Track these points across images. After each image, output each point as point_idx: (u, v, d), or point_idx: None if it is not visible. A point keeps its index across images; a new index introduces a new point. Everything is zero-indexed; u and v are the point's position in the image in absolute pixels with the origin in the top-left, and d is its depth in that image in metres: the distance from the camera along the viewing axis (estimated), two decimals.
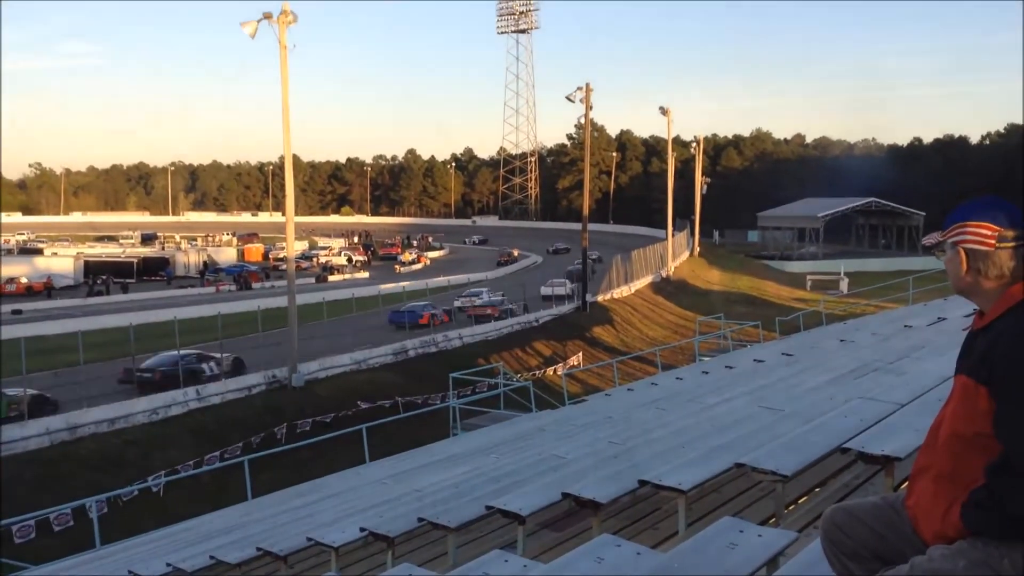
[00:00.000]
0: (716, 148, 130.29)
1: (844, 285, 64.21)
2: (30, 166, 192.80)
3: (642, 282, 57.59)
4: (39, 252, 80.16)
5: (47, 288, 59.66)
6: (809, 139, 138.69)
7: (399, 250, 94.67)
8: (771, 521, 5.30)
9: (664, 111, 65.60)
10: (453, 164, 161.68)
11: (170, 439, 23.20)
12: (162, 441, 23.00)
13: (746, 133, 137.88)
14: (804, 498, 5.96)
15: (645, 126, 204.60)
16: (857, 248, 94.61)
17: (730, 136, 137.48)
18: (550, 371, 35.08)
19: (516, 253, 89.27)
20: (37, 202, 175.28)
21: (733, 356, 19.81)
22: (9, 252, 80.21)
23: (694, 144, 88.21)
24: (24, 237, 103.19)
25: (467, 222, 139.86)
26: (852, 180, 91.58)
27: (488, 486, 8.62)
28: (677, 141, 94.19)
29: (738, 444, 6.51)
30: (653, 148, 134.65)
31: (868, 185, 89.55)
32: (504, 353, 36.31)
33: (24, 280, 60.77)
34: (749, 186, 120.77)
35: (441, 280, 61.35)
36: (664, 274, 64.12)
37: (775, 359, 15.64)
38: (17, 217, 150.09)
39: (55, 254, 77.91)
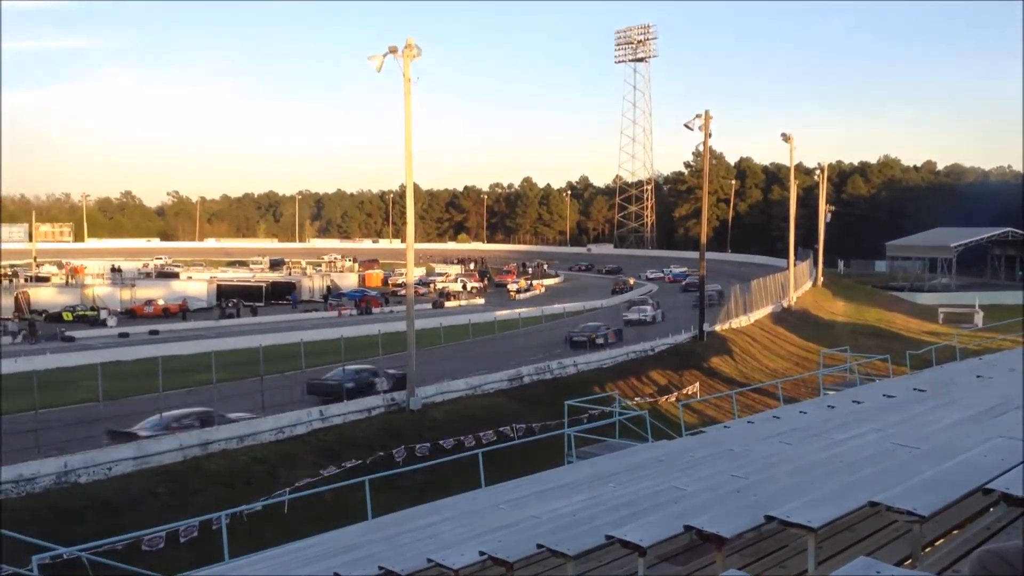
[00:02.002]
0: (841, 175, 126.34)
1: (979, 319, 61.07)
2: (168, 194, 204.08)
3: (762, 312, 56.19)
4: (175, 276, 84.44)
5: (182, 310, 62.75)
6: (940, 166, 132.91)
7: (514, 277, 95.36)
8: (907, 563, 5.07)
9: (786, 137, 64.13)
10: (568, 192, 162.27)
11: (294, 457, 23.94)
12: (286, 459, 23.75)
13: (873, 160, 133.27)
14: (941, 540, 5.68)
15: (765, 153, 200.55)
16: (993, 280, 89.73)
17: (856, 163, 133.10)
18: (665, 400, 34.59)
19: (632, 281, 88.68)
20: (174, 228, 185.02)
21: (861, 391, 19.07)
22: (147, 275, 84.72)
23: (817, 171, 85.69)
24: (161, 261, 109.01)
25: (582, 250, 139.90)
26: (987, 208, 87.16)
27: (607, 515, 8.54)
28: (799, 168, 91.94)
29: (871, 482, 6.26)
30: (774, 175, 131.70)
31: (1004, 214, 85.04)
32: (619, 381, 36.01)
33: (161, 302, 64.13)
34: (876, 214, 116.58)
35: (556, 307, 61.44)
36: (785, 304, 62.39)
37: (906, 394, 14.98)
38: (155, 242, 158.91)
39: (190, 278, 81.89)
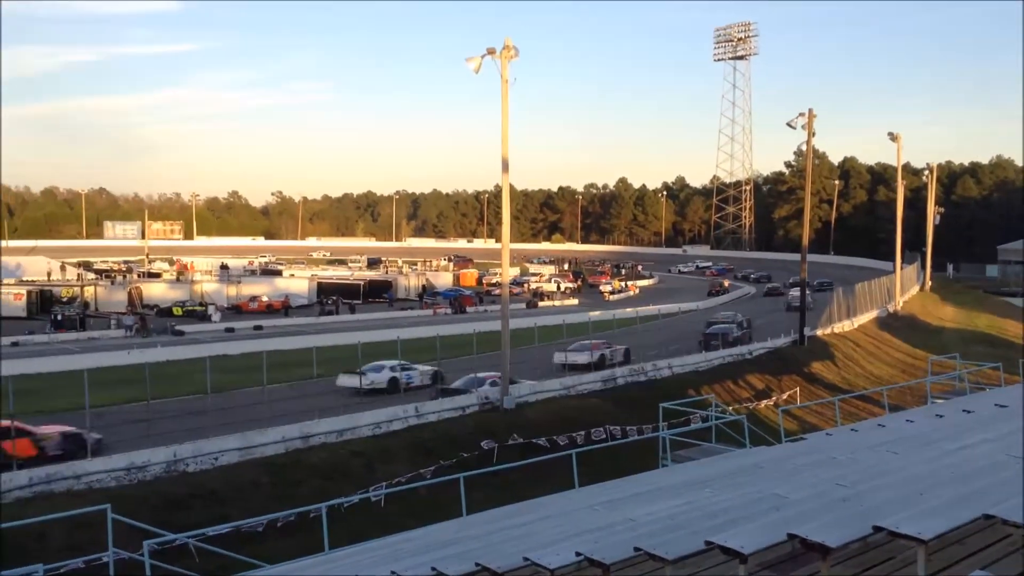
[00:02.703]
0: (951, 176, 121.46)
1: None
2: (272, 195, 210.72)
3: (866, 317, 54.44)
4: (278, 273, 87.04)
5: (284, 307, 64.63)
6: None
7: (608, 278, 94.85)
8: None
9: (893, 137, 61.97)
10: (664, 193, 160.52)
11: (390, 453, 24.37)
12: (383, 454, 24.21)
13: (984, 160, 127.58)
14: None
15: (870, 153, 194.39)
16: None
17: (966, 163, 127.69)
18: (763, 405, 33.86)
19: (727, 284, 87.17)
20: (278, 227, 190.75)
21: (971, 399, 18.30)
22: (252, 273, 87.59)
23: (926, 172, 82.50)
24: (266, 259, 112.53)
25: (677, 251, 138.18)
26: None
27: (704, 521, 8.44)
28: (906, 169, 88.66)
29: (984, 494, 6.02)
30: (879, 176, 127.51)
31: None
32: (715, 385, 35.43)
33: (265, 299, 66.20)
34: (987, 217, 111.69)
35: (651, 309, 60.85)
36: (891, 309, 60.31)
37: (1020, 404, 14.30)
38: (260, 241, 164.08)
39: (292, 275, 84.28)
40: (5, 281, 70.51)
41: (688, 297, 74.49)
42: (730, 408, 30.56)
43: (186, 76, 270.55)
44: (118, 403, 26.70)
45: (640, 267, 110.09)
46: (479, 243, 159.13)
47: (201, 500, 20.28)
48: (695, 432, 21.29)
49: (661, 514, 9.45)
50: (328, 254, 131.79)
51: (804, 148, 49.82)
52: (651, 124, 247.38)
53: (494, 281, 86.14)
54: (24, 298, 58.87)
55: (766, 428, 25.11)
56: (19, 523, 15.87)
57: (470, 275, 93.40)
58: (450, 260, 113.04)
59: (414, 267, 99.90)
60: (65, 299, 61.94)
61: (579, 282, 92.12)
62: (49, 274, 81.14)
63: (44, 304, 59.68)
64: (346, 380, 29.76)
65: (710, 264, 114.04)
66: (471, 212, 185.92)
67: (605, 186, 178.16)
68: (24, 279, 75.55)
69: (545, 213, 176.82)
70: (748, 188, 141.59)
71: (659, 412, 22.95)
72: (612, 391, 33.37)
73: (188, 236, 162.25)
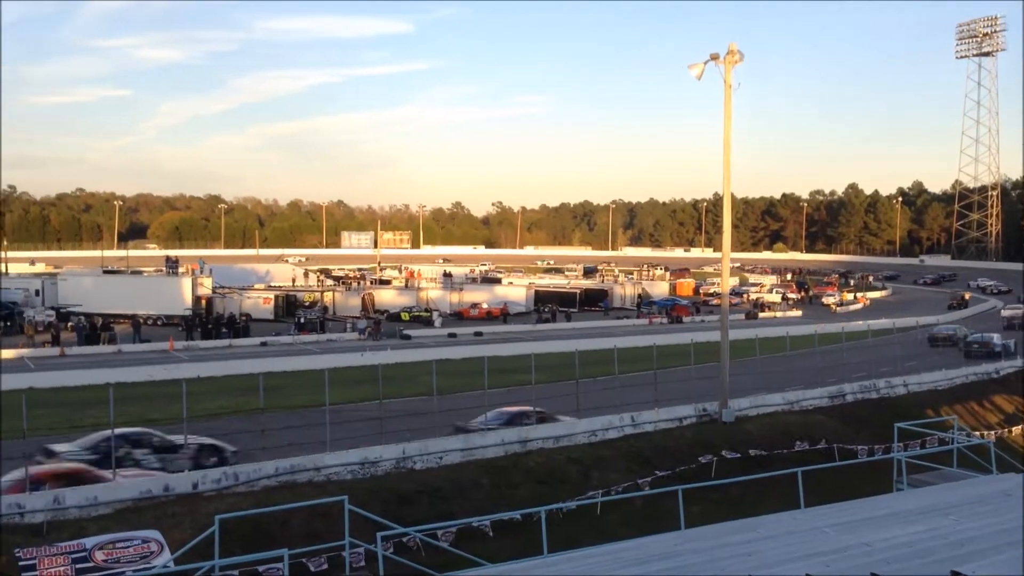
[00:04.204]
0: None
1: None
2: (493, 205, 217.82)
3: None
4: (498, 281, 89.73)
5: (503, 314, 66.50)
6: None
7: (835, 289, 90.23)
8: None
9: None
10: (899, 199, 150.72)
11: (606, 460, 24.41)
12: (599, 462, 24.28)
13: None
14: None
15: None
16: None
17: None
18: (1015, 431, 30.93)
19: (968, 296, 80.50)
20: (497, 237, 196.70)
21: None
22: (473, 280, 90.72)
23: None
24: (485, 267, 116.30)
25: (913, 261, 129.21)
26: None
27: (947, 550, 7.85)
28: None
29: None
30: None
31: None
32: (956, 405, 32.75)
33: (485, 306, 68.43)
34: None
35: (884, 322, 57.25)
36: None
37: None
38: (481, 249, 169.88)
39: (511, 283, 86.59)
40: (256, 286, 77.25)
41: (925, 310, 69.43)
42: (977, 433, 28.16)
43: (416, 93, 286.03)
44: (353, 401, 28.42)
45: (871, 278, 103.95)
46: (696, 252, 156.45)
47: (427, 496, 21.19)
48: (933, 455, 19.79)
49: (899, 540, 8.85)
50: (552, 263, 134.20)
51: None
52: (884, 127, 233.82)
53: (712, 291, 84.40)
54: (272, 302, 64.22)
55: (1017, 455, 22.92)
56: (268, 509, 17.28)
57: (687, 284, 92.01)
58: (667, 269, 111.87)
59: (630, 276, 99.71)
60: (307, 303, 67.00)
61: (803, 293, 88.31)
62: (294, 280, 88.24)
63: (289, 308, 64.83)
64: None
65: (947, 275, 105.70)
66: (688, 221, 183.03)
67: (832, 192, 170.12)
68: (272, 284, 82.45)
69: (767, 221, 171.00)
70: (995, 193, 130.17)
71: (894, 432, 21.52)
72: (839, 408, 31.71)
73: (416, 245, 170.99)
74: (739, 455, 25.30)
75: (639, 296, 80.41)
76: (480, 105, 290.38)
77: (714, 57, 26.70)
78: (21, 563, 15.30)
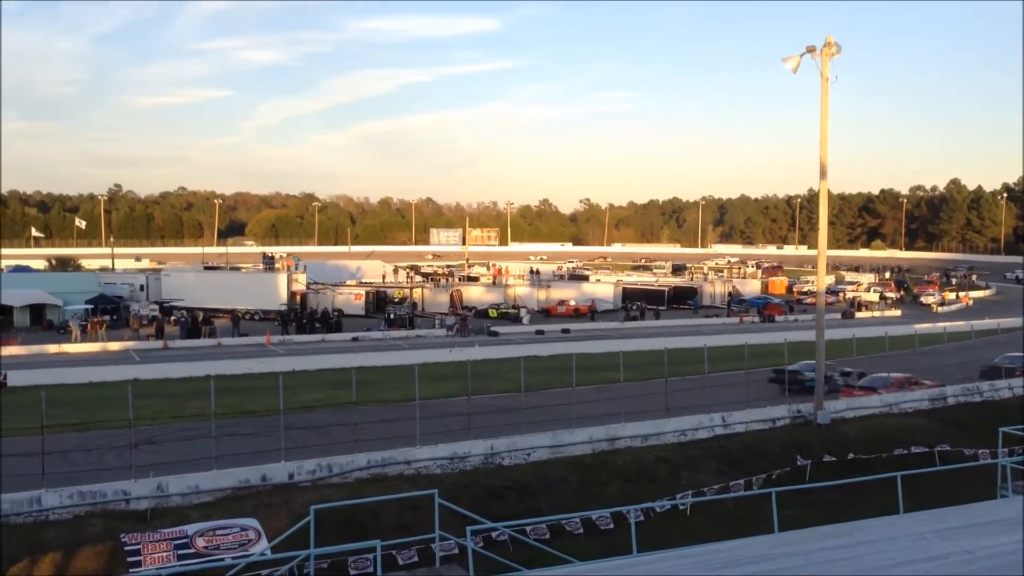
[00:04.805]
0: None
1: None
2: (580, 201, 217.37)
3: None
4: (585, 279, 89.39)
5: (591, 311, 66.22)
6: None
7: (936, 288, 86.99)
8: None
9: None
10: (1004, 195, 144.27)
11: (696, 461, 24.08)
12: (689, 462, 23.97)
13: None
14: None
15: None
16: None
17: None
18: None
19: None
20: (585, 233, 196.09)
21: None
22: (561, 278, 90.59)
23: None
24: (573, 265, 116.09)
25: (1018, 259, 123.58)
26: None
27: None
28: None
29: None
30: None
31: None
32: None
33: (572, 303, 68.28)
34: None
35: (989, 323, 54.93)
36: None
37: None
38: (568, 247, 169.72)
39: (599, 280, 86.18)
40: (347, 283, 78.85)
41: None
42: None
43: (505, 91, 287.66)
44: (442, 397, 28.77)
45: (975, 276, 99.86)
46: (790, 249, 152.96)
47: (515, 493, 21.26)
48: None
49: (1002, 548, 8.49)
50: (644, 260, 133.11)
51: None
52: (988, 119, 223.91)
53: (805, 289, 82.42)
54: (363, 298, 65.45)
55: None
56: (361, 501, 17.63)
57: (779, 283, 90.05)
58: (758, 267, 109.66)
59: (720, 274, 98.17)
60: (397, 299, 68.10)
61: (902, 292, 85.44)
62: (384, 277, 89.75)
63: (379, 304, 66.00)
64: None
65: None
66: (781, 217, 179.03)
67: (934, 188, 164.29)
68: (363, 281, 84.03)
69: (864, 218, 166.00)
70: None
71: (998, 437, 20.64)
72: (940, 411, 30.56)
73: (503, 242, 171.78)
74: (835, 458, 24.64)
75: (730, 294, 79.01)
76: (568, 102, 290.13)
77: (810, 50, 26.01)
78: (126, 548, 16.00)
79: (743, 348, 30.93)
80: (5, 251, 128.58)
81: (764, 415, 27.66)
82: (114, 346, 46.86)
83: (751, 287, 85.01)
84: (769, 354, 35.25)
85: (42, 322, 54.74)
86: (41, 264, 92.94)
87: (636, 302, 70.63)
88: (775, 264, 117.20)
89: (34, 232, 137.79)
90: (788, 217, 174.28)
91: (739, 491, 21.70)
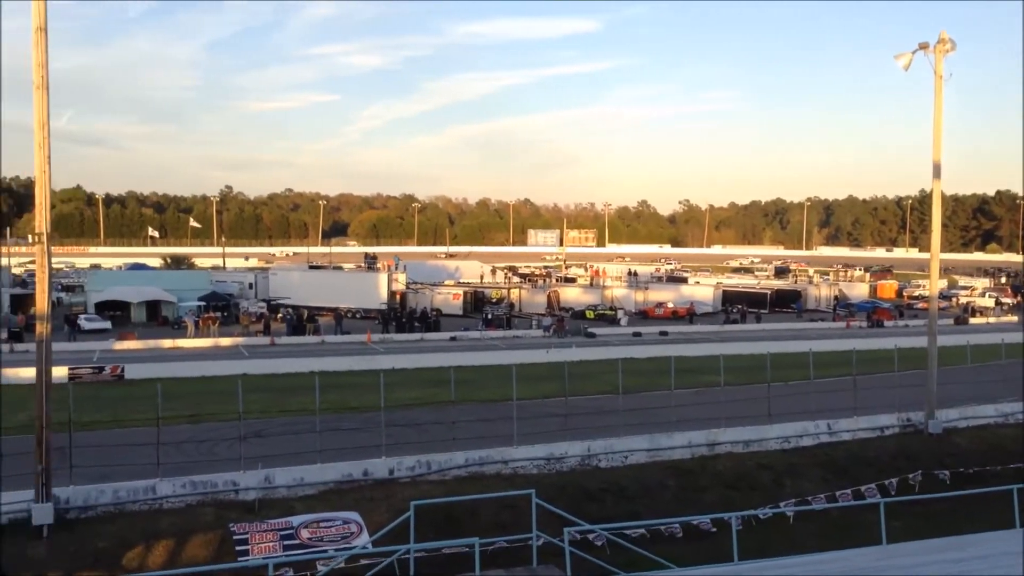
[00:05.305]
0: None
1: None
2: (679, 202, 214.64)
3: None
4: (684, 280, 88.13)
5: (689, 313, 65.27)
6: None
7: None
8: None
9: None
10: None
11: (799, 468, 23.48)
12: (792, 469, 23.40)
13: None
14: None
15: None
16: None
17: None
18: None
19: None
20: (684, 235, 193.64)
21: None
22: (659, 279, 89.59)
23: None
24: (671, 266, 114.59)
25: None
26: None
27: None
28: None
29: None
30: None
31: None
32: None
33: (671, 305, 67.42)
34: None
35: None
36: None
37: None
38: (666, 248, 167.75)
39: (698, 283, 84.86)
40: (446, 283, 79.86)
41: None
42: None
43: (604, 92, 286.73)
44: (539, 397, 28.81)
45: None
46: (899, 252, 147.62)
47: (612, 495, 21.16)
48: None
49: None
50: (752, 261, 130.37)
51: None
52: None
53: (916, 294, 79.38)
54: (461, 298, 66.15)
55: None
56: (460, 498, 17.85)
57: (888, 286, 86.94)
58: (866, 270, 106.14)
59: (825, 277, 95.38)
60: (494, 300, 68.56)
61: (1019, 298, 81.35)
62: (481, 277, 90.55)
63: (477, 303, 66.56)
64: None
65: None
66: (891, 219, 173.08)
67: None
68: (461, 281, 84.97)
69: (979, 220, 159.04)
70: None
71: None
72: None
73: (600, 243, 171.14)
74: (948, 470, 23.66)
75: (835, 298, 76.70)
76: (667, 102, 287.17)
77: (923, 47, 25.06)
78: (235, 537, 16.60)
79: (850, 354, 29.93)
80: (124, 249, 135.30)
81: (872, 423, 26.80)
82: (225, 342, 48.62)
83: (858, 291, 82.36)
84: (878, 360, 34.03)
85: (157, 318, 57.26)
86: (157, 262, 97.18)
87: (737, 305, 69.30)
88: (884, 267, 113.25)
89: (151, 231, 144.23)
90: (898, 219, 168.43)
91: (846, 500, 21.07)
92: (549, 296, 70.42)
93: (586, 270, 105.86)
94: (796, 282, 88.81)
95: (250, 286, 69.34)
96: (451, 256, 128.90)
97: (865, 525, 16.57)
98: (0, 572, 16.39)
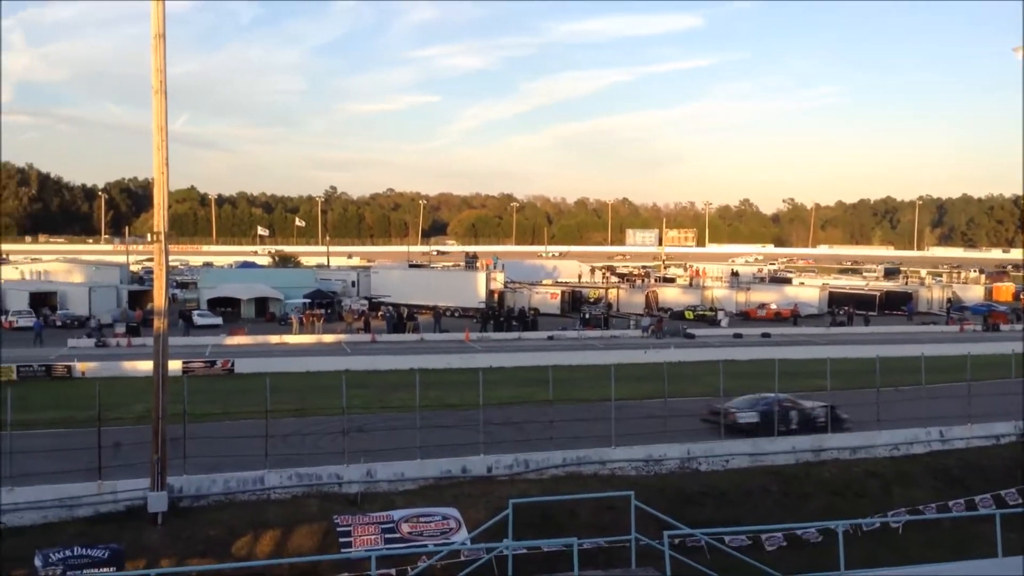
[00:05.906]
0: None
1: None
2: (784, 201, 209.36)
3: None
4: (788, 281, 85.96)
5: (793, 315, 63.61)
6: None
7: None
8: None
9: None
10: None
11: (909, 476, 22.64)
12: (902, 477, 22.57)
13: None
14: None
15: None
16: None
17: None
18: None
19: None
20: (788, 234, 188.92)
21: None
22: (761, 280, 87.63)
23: None
24: (775, 267, 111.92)
25: None
26: None
27: None
28: None
29: None
30: None
31: None
32: None
33: (774, 306, 65.84)
34: None
35: None
36: None
37: None
38: (769, 248, 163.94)
39: (802, 284, 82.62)
40: (544, 282, 79.99)
41: None
42: None
43: (706, 89, 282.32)
44: (637, 398, 28.56)
45: None
46: (1017, 253, 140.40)
47: (712, 499, 20.83)
48: None
49: None
50: (890, 263, 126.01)
51: None
52: None
53: None
54: (558, 297, 66.13)
55: None
56: (559, 498, 17.87)
57: (1006, 289, 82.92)
58: (982, 272, 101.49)
59: (938, 278, 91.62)
60: (592, 299, 68.29)
61: None
62: (579, 276, 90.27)
63: (574, 303, 66.44)
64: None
65: None
66: (1008, 218, 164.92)
67: None
68: (558, 280, 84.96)
69: None
70: None
71: None
72: None
73: (700, 243, 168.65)
74: None
75: (949, 300, 73.58)
76: (771, 98, 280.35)
77: None
78: (338, 529, 17.03)
79: (964, 359, 28.68)
80: (234, 248, 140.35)
81: (987, 431, 25.70)
82: (328, 338, 49.89)
83: (973, 293, 78.85)
84: (994, 365, 32.59)
85: (265, 314, 59.19)
86: (265, 260, 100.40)
87: (844, 307, 67.23)
88: (1001, 269, 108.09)
89: (260, 230, 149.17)
90: (1015, 218, 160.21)
91: (959, 511, 20.20)
92: (648, 296, 69.72)
93: (685, 270, 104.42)
94: (907, 283, 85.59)
95: (353, 284, 70.94)
96: (556, 256, 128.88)
97: (979, 537, 15.85)
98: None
